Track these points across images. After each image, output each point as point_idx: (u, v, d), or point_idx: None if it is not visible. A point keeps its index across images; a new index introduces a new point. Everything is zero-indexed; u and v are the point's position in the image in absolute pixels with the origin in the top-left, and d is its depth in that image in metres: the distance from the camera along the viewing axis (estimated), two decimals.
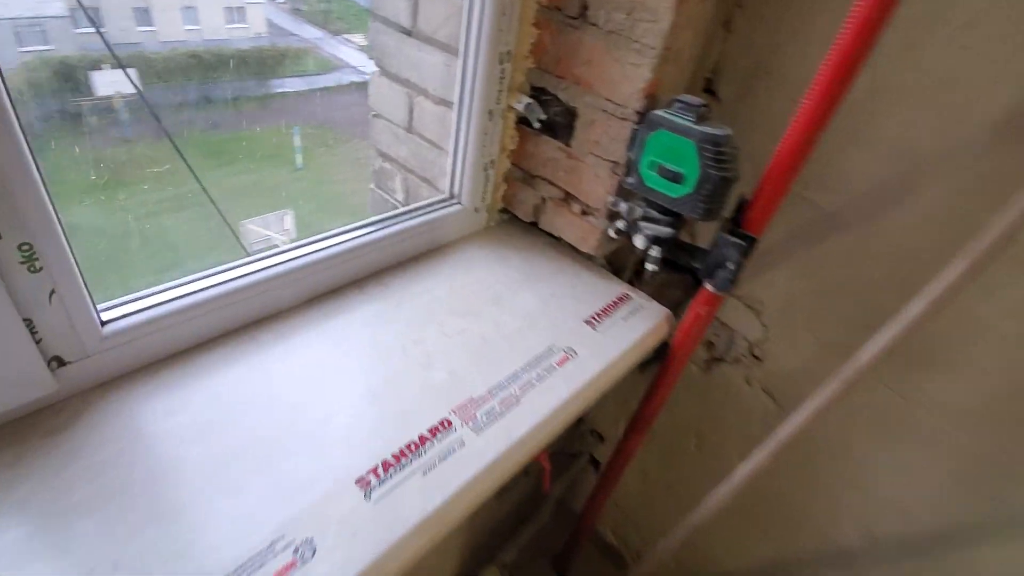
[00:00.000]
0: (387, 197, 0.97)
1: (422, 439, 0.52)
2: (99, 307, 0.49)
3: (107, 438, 0.47)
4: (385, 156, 0.94)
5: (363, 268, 0.70)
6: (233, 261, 0.59)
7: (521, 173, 0.83)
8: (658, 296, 0.79)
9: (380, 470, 0.49)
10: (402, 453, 0.50)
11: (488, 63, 0.68)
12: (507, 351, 0.64)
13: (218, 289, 0.56)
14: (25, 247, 0.41)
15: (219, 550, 0.41)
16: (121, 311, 0.50)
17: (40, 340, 0.44)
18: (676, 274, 0.73)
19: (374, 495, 0.47)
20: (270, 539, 0.42)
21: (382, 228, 0.71)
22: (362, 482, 0.47)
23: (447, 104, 0.77)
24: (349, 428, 0.52)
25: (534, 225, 0.85)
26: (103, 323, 0.49)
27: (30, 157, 0.39)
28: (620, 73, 0.66)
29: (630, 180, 0.65)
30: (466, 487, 0.49)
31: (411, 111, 0.84)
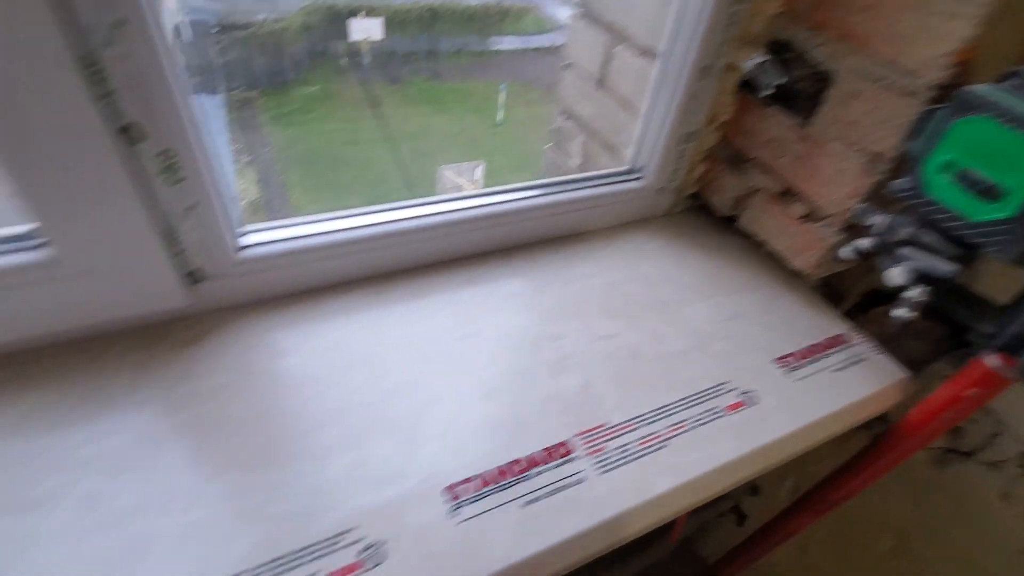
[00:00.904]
0: (562, 160, 0.87)
1: (532, 461, 0.42)
2: (239, 230, 0.47)
3: (221, 366, 0.45)
4: (568, 113, 0.83)
5: (514, 236, 0.61)
6: (377, 205, 0.54)
7: (729, 153, 0.66)
8: (890, 345, 0.57)
9: (474, 485, 0.40)
10: (503, 472, 0.41)
11: (716, 1, 0.52)
12: (661, 376, 0.50)
13: (357, 232, 0.52)
14: (166, 155, 0.39)
15: (288, 520, 0.37)
16: (260, 238, 0.48)
17: (179, 253, 0.44)
18: (926, 320, 0.51)
19: (460, 513, 0.38)
20: (339, 528, 0.37)
21: (543, 195, 0.61)
22: (450, 493, 0.39)
23: (651, 55, 0.62)
24: (449, 423, 0.44)
25: (730, 222, 0.68)
26: (240, 248, 0.47)
27: (179, 64, 0.36)
28: (920, 25, 0.45)
29: (902, 184, 0.44)
30: (574, 540, 0.38)
31: (607, 61, 0.71)
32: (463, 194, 0.58)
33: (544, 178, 0.77)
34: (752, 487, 0.94)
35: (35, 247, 0.39)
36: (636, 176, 0.66)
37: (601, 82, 0.74)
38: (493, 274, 0.58)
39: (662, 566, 1.03)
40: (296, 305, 0.51)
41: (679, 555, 1.05)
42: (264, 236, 0.48)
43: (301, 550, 0.36)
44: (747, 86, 0.61)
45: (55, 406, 0.41)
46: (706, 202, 0.70)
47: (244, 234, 0.48)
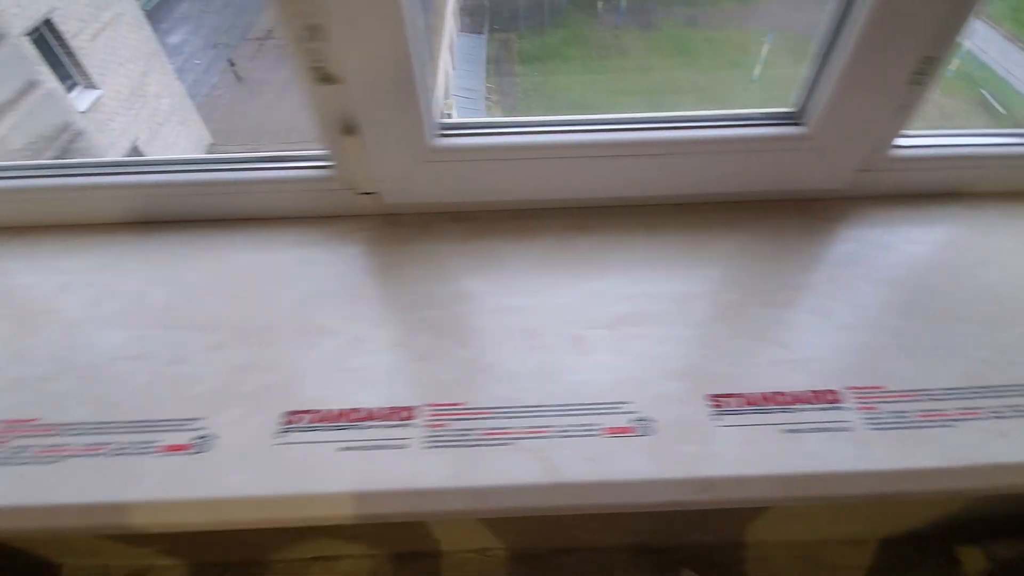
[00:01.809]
0: None
1: None
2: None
3: (857, 239, 0.56)
4: None
5: None
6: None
7: None
8: None
9: None
10: None
11: None
12: None
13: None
14: (925, 62, 0.48)
15: (980, 363, 0.46)
16: (912, 141, 0.57)
17: (866, 147, 0.55)
18: None
19: None
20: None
21: None
22: None
23: None
24: None
25: None
26: (893, 147, 0.56)
27: None
28: None
29: None
30: None
31: None
32: None
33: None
34: None
35: (795, 124, 0.53)
36: None
37: None
38: None
39: None
40: (914, 205, 0.59)
41: None
42: (916, 140, 0.57)
43: (1007, 386, 0.45)
44: None
45: (755, 244, 0.56)
46: None
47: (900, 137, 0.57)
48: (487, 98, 12.30)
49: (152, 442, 0.43)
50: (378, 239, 0.58)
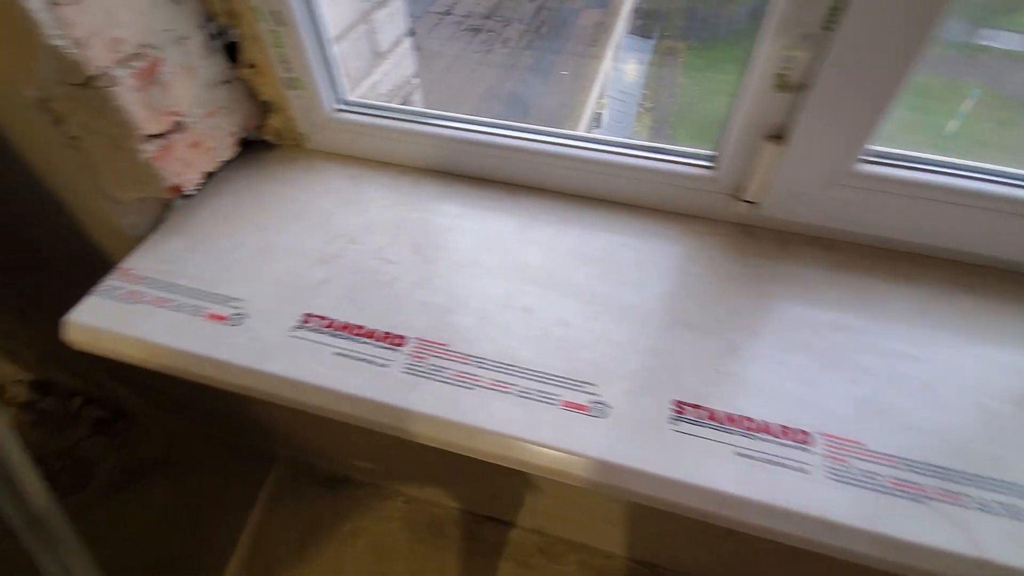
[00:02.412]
0: None
1: None
2: None
3: None
4: None
5: None
6: None
7: None
8: None
9: None
10: None
11: None
12: None
13: None
14: None
15: None
16: None
17: None
18: None
19: None
20: None
21: None
22: None
23: None
24: None
25: None
26: None
27: None
28: None
29: None
30: None
31: None
32: None
33: None
34: None
35: None
36: None
37: None
38: None
39: None
40: None
41: None
42: None
43: None
44: None
45: None
46: None
47: None
48: (640, 104, 12.04)
49: (554, 395, 0.46)
50: (734, 247, 0.57)
